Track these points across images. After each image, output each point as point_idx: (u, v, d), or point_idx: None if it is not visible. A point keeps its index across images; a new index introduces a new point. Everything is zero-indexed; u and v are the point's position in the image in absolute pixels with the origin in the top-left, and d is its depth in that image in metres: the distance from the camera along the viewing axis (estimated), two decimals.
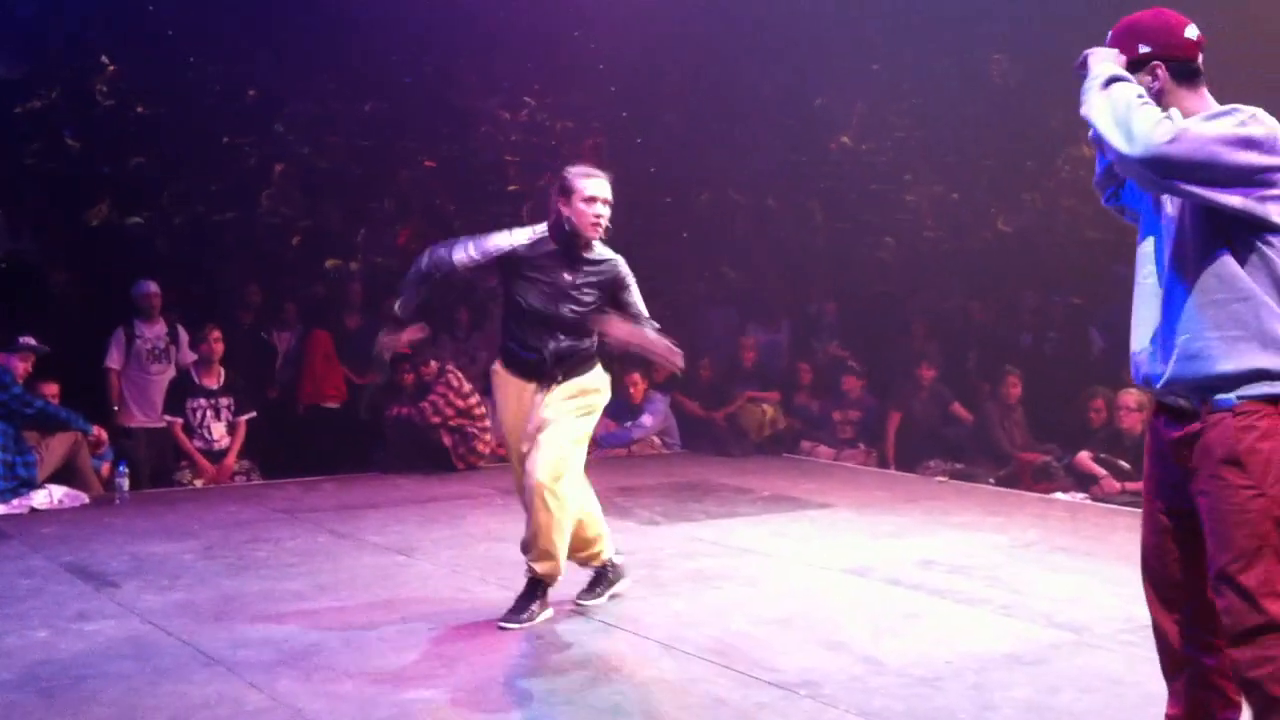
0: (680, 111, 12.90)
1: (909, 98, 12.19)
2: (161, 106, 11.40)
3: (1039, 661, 4.41)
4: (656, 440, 10.16)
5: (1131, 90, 2.82)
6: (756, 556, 6.16)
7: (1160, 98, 2.92)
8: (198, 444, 8.54)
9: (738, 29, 11.90)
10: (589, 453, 5.05)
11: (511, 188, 12.32)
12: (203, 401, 8.54)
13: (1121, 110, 2.78)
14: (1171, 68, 2.95)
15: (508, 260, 4.88)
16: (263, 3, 11.40)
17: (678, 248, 12.13)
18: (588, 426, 4.97)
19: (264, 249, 10.91)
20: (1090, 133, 2.88)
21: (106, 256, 10.01)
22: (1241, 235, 2.80)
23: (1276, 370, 2.79)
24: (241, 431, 8.69)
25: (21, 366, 7.61)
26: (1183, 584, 2.97)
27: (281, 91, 12.06)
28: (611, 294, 4.95)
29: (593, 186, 4.81)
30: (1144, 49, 2.96)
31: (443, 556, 6.12)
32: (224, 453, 8.60)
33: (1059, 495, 8.08)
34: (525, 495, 4.80)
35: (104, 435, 7.98)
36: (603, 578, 5.20)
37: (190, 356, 8.81)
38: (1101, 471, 7.99)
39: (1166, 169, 2.73)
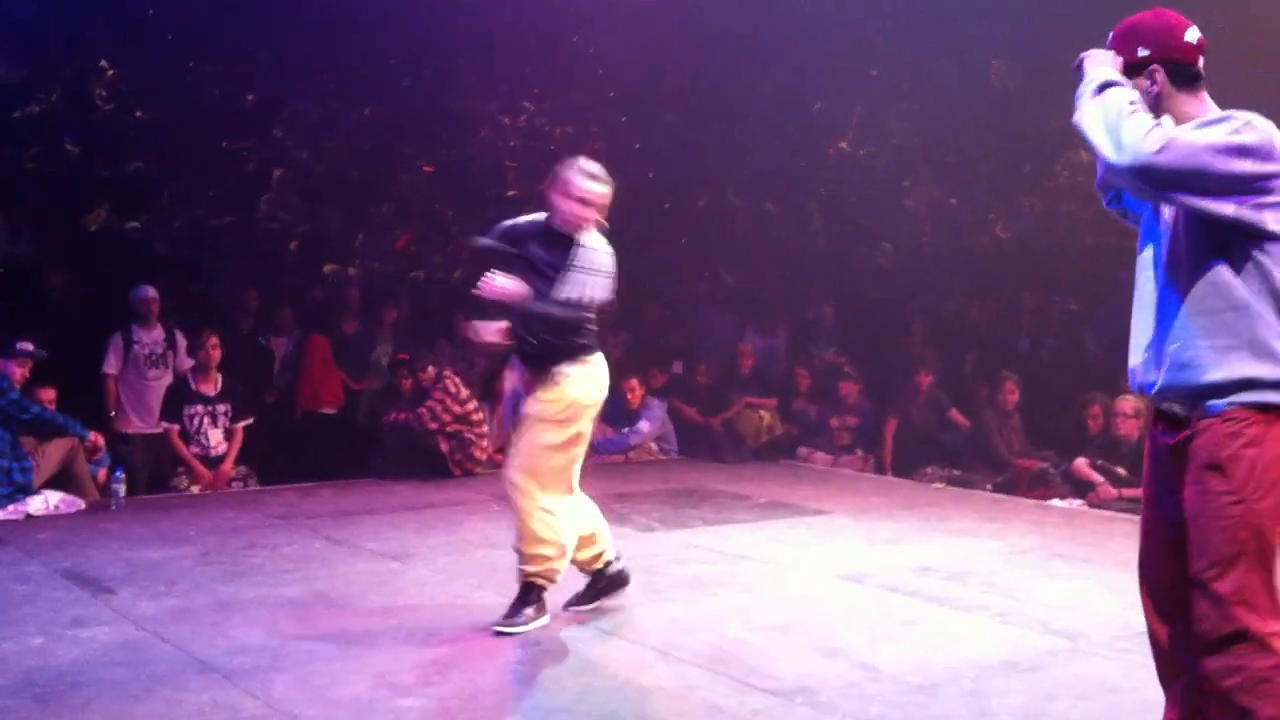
0: (680, 113, 12.89)
1: (908, 101, 12.20)
2: (161, 110, 11.40)
3: (1036, 668, 4.40)
4: (653, 446, 10.13)
5: (1124, 96, 2.79)
6: (753, 563, 6.15)
7: (1158, 101, 2.90)
8: (195, 450, 8.52)
9: (738, 30, 11.88)
10: (586, 458, 4.98)
11: (511, 193, 12.30)
12: (200, 408, 8.52)
13: (1112, 118, 2.75)
14: (1170, 71, 2.91)
15: (511, 235, 4.94)
16: (262, 5, 11.39)
17: (677, 250, 12.13)
18: (559, 432, 4.77)
19: (262, 253, 10.92)
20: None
21: (105, 260, 10.01)
22: (1236, 243, 2.78)
23: (1266, 379, 2.77)
24: (238, 437, 8.67)
25: (19, 371, 7.59)
26: (1179, 591, 2.94)
27: (280, 94, 12.05)
28: None
29: (586, 189, 4.78)
30: (1142, 52, 2.92)
31: (439, 563, 6.11)
32: (221, 459, 8.58)
33: (1056, 502, 8.06)
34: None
35: (101, 441, 7.98)
36: (597, 583, 5.14)
37: (188, 362, 8.79)
38: (1098, 478, 7.99)
39: (1156, 179, 2.71)
